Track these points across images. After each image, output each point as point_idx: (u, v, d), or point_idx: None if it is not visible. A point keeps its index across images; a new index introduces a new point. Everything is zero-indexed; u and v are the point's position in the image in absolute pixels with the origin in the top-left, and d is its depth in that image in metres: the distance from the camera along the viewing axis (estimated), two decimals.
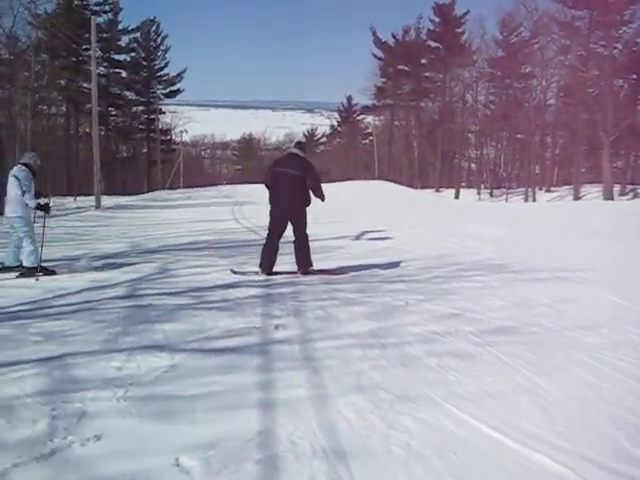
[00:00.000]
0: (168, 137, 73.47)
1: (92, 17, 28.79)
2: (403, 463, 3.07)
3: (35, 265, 8.64)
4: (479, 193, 53.14)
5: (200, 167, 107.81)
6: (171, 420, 3.52)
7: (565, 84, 45.97)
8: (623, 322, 5.88)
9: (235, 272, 8.59)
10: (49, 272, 8.75)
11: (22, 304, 6.64)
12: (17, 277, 8.55)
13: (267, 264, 8.48)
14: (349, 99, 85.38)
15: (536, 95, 49.63)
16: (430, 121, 65.59)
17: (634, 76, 42.60)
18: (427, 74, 64.52)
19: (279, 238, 8.60)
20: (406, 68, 64.40)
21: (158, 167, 65.84)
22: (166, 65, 69.60)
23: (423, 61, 63.90)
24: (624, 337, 5.35)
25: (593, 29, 40.04)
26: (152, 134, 68.43)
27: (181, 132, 74.48)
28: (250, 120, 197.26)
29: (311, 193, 8.56)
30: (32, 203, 8.65)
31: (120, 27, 62.67)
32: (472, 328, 5.57)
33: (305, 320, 5.89)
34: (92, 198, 28.33)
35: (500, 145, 61.77)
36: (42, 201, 8.97)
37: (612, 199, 34.91)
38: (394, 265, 9.36)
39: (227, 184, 73.76)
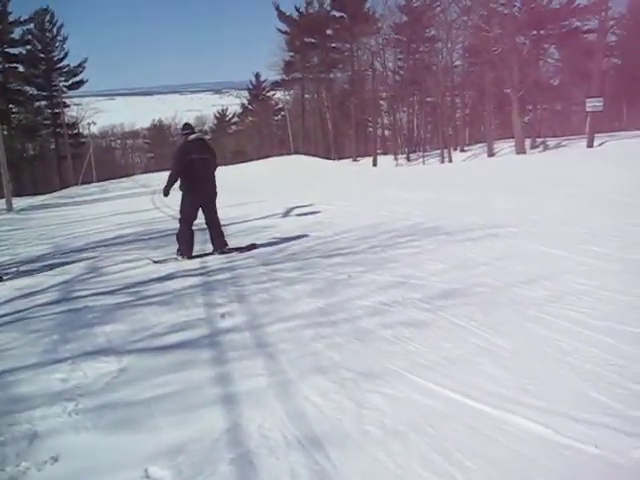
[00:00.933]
0: (76, 131, 70.79)
1: None
2: (380, 442, 3.00)
3: None
4: (396, 159, 53.61)
5: (112, 158, 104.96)
6: (131, 429, 3.33)
7: (470, 44, 46.65)
8: (563, 272, 5.99)
9: (155, 262, 8.56)
10: None
11: None
12: None
13: (187, 249, 8.68)
14: (257, 76, 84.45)
15: (443, 57, 50.18)
16: (341, 91, 65.62)
17: (534, 32, 43.59)
18: (334, 45, 64.23)
19: (193, 223, 8.81)
20: (313, 40, 63.95)
21: (69, 162, 63.42)
22: (65, 56, 66.71)
23: (329, 32, 63.59)
24: (568, 287, 5.45)
25: None
26: (59, 129, 65.77)
27: (89, 124, 72.12)
28: (158, 106, 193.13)
29: None
30: None
31: (11, 19, 59.68)
32: (419, 295, 5.56)
33: (250, 305, 5.73)
34: (2, 201, 27.06)
35: (412, 109, 62.31)
36: None
37: (524, 153, 35.73)
38: (328, 239, 9.26)
39: (142, 173, 72.22)
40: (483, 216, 10.08)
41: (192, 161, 8.51)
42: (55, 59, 66.00)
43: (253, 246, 9.10)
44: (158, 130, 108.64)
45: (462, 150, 50.84)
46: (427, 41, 55.11)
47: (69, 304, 6.44)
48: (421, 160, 49.23)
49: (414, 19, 53.79)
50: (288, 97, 76.10)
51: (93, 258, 9.53)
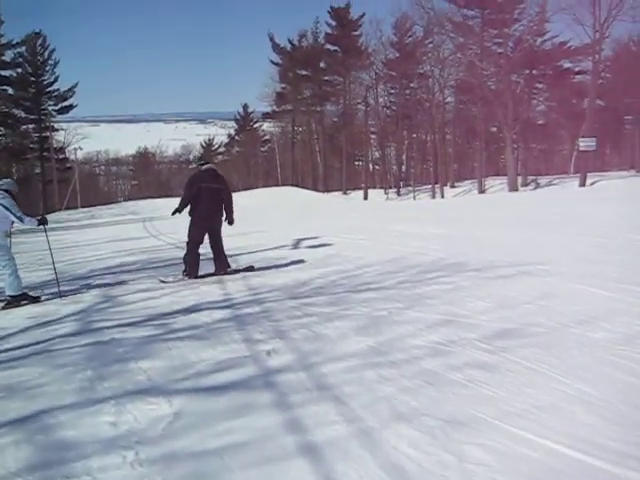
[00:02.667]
0: (62, 156, 70.16)
1: None
2: None
3: (19, 293, 8.12)
4: (386, 193, 53.68)
5: (96, 185, 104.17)
6: None
7: (462, 81, 46.94)
8: (618, 314, 5.67)
9: (163, 281, 8.98)
10: (34, 299, 8.21)
11: None
12: (2, 308, 7.91)
13: (193, 270, 9.20)
14: (245, 107, 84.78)
15: (435, 93, 50.47)
16: (331, 125, 65.78)
17: (527, 71, 44.09)
18: (327, 78, 64.43)
19: (199, 246, 9.33)
20: (306, 73, 64.12)
21: (55, 187, 62.71)
22: (56, 80, 66.12)
23: (322, 65, 63.91)
24: (630, 330, 5.14)
25: (486, 28, 41.26)
26: (45, 153, 65.12)
27: (75, 150, 71.47)
28: (143, 134, 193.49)
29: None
30: (34, 222, 8.42)
31: (3, 41, 59.14)
32: (474, 335, 5.23)
33: (293, 342, 5.34)
34: None
35: (402, 145, 62.48)
36: (38, 217, 8.67)
37: (517, 190, 35.89)
38: (351, 273, 8.90)
39: (127, 200, 71.70)
40: (504, 253, 9.81)
41: (201, 189, 9.05)
42: (45, 83, 65.46)
43: (251, 267, 9.68)
44: (143, 157, 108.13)
45: (452, 186, 51.03)
46: (419, 77, 55.49)
47: (93, 336, 6.00)
48: (411, 195, 49.27)
49: (406, 55, 54.21)
50: (277, 129, 76.24)
51: (103, 286, 9.13)
